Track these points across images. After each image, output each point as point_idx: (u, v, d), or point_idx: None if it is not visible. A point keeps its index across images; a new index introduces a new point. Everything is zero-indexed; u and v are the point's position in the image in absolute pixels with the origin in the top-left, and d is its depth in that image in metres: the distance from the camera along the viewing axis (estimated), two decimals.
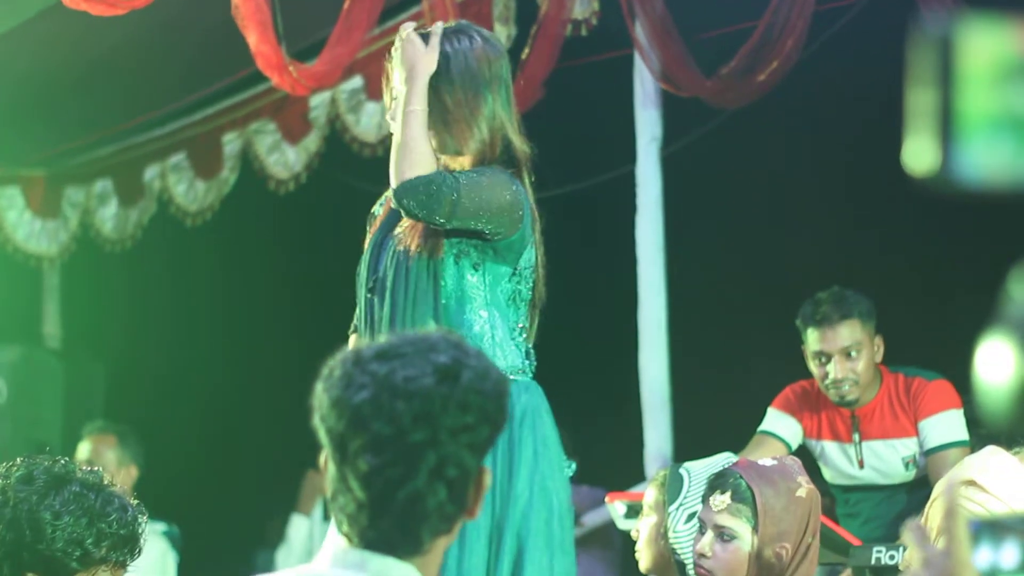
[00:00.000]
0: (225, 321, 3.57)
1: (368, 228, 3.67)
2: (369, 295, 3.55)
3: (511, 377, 3.48)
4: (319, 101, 6.39)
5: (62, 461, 2.97)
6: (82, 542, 2.87)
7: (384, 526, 2.02)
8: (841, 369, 4.84)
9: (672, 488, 3.83)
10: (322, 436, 2.05)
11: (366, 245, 3.63)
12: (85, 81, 6.61)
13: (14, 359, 7.59)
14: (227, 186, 6.80)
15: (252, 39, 5.03)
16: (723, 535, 3.43)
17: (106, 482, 2.97)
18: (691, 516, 3.73)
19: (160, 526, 6.36)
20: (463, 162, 3.55)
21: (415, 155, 3.41)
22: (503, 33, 5.77)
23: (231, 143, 6.89)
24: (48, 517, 2.86)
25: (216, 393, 7.33)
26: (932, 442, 4.81)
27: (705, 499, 3.50)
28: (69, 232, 7.78)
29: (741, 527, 3.42)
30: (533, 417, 3.48)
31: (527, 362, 3.57)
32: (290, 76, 5.24)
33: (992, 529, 1.65)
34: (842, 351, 4.84)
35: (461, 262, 3.51)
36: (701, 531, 3.49)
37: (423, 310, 3.47)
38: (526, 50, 5.70)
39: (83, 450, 6.42)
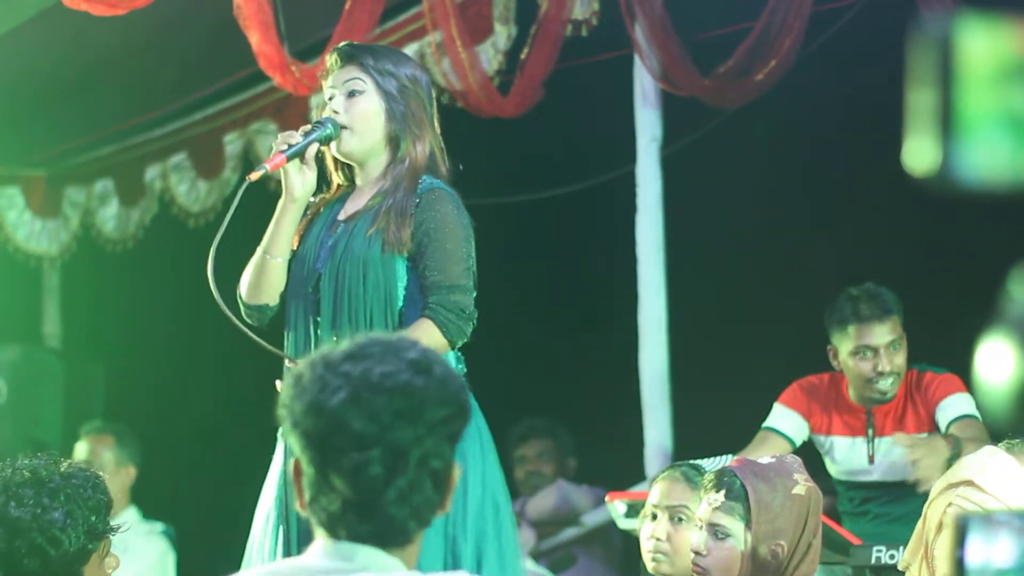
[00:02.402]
0: (226, 321, 3.55)
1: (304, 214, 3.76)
2: (312, 292, 3.64)
3: None
4: (320, 101, 6.38)
5: (20, 462, 2.98)
6: (91, 528, 2.93)
7: (374, 522, 2.04)
8: (888, 362, 4.86)
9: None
10: (295, 442, 2.06)
11: (296, 246, 3.72)
12: (85, 81, 6.61)
13: (14, 359, 7.59)
14: (229, 186, 6.81)
15: (254, 39, 5.04)
16: (716, 533, 3.44)
17: (63, 463, 3.01)
18: None
19: (158, 525, 6.37)
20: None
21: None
22: (503, 33, 5.78)
23: (232, 143, 6.89)
24: (59, 520, 2.88)
25: (217, 393, 7.33)
26: (951, 416, 4.83)
27: (702, 497, 3.51)
28: (70, 232, 7.78)
29: (734, 525, 3.42)
30: (475, 415, 3.57)
31: (459, 366, 3.66)
32: (292, 76, 5.25)
33: (985, 525, 1.65)
34: (888, 345, 4.86)
35: (407, 269, 3.62)
36: (699, 528, 3.50)
37: (386, 305, 3.58)
38: (526, 50, 5.70)
39: (81, 450, 6.42)
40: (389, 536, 2.05)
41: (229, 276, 3.68)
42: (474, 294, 3.60)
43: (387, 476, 2.01)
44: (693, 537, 3.52)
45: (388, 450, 2.01)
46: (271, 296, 3.70)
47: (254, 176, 3.65)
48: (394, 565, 2.05)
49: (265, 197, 3.76)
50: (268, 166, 3.61)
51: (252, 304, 3.70)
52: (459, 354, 3.65)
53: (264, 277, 3.68)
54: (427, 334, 3.52)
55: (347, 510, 2.04)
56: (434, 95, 3.78)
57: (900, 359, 4.90)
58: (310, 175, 3.64)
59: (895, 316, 4.89)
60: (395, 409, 2.00)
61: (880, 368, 4.86)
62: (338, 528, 2.06)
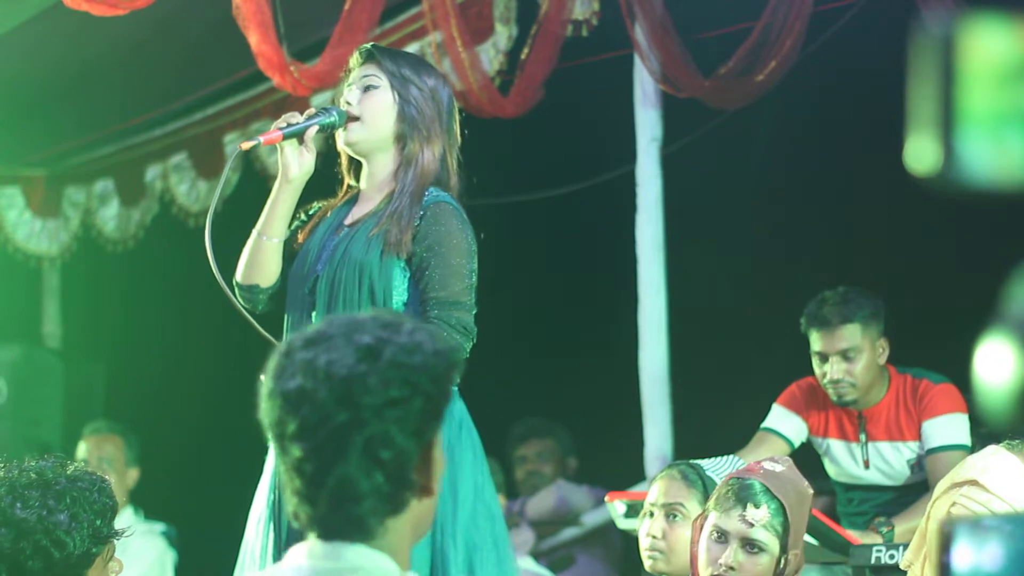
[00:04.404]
0: (226, 321, 3.55)
1: (299, 229, 3.76)
2: (308, 293, 3.64)
3: None
4: (320, 101, 6.39)
5: (26, 464, 2.98)
6: (96, 531, 2.93)
7: (323, 511, 2.02)
8: (837, 370, 4.84)
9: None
10: (265, 429, 2.07)
11: (301, 243, 3.72)
12: (85, 80, 6.61)
13: (14, 359, 7.59)
14: (230, 186, 6.81)
15: (253, 39, 5.03)
16: (752, 547, 3.43)
17: (69, 465, 3.01)
18: None
19: (159, 526, 6.36)
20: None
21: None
22: (504, 33, 5.78)
23: (232, 143, 6.89)
24: (64, 523, 2.89)
25: (216, 393, 7.33)
26: (932, 443, 4.81)
27: (728, 510, 3.47)
28: (70, 232, 7.78)
29: (771, 540, 3.43)
30: (468, 423, 3.60)
31: None
32: (291, 76, 5.24)
33: (972, 531, 1.65)
34: (840, 353, 4.84)
35: (406, 279, 3.61)
36: (719, 541, 3.47)
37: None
38: (526, 50, 5.70)
39: (86, 449, 6.41)
40: (343, 527, 2.02)
41: (228, 272, 3.68)
42: (475, 311, 3.60)
43: (328, 465, 1.99)
44: (715, 548, 3.48)
45: (328, 438, 1.99)
46: (263, 277, 3.69)
47: (246, 145, 3.65)
48: (385, 563, 2.03)
49: (267, 197, 3.75)
50: (262, 139, 3.62)
51: (244, 284, 3.70)
52: None
53: (257, 257, 3.68)
54: None
55: (300, 500, 2.03)
56: (456, 110, 3.77)
57: (855, 368, 4.85)
58: (308, 157, 3.64)
59: (856, 324, 4.85)
60: (335, 397, 1.98)
61: (829, 376, 4.85)
62: (300, 518, 2.05)
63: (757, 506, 3.44)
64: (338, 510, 2.01)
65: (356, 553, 2.02)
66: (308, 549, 2.05)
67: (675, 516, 3.88)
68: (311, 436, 2.00)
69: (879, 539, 4.55)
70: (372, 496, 2.00)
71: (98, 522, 2.93)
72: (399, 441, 1.99)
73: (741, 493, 3.46)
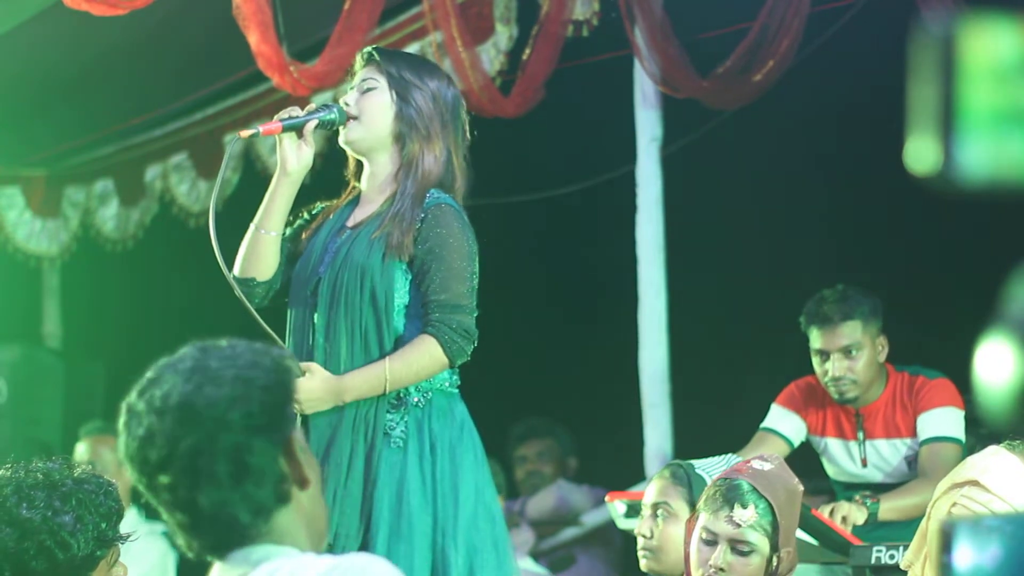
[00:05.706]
0: (226, 321, 3.56)
1: (303, 229, 3.78)
2: (311, 295, 3.65)
3: (448, 388, 3.64)
4: (320, 101, 6.39)
5: (33, 465, 2.99)
6: (101, 534, 2.93)
7: (211, 534, 2.03)
8: (839, 368, 4.86)
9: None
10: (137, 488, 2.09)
11: (304, 246, 3.73)
12: (85, 81, 6.61)
13: (14, 359, 7.59)
14: (230, 186, 6.81)
15: (253, 39, 5.03)
16: (743, 550, 3.42)
17: (76, 468, 3.01)
18: None
19: (160, 526, 6.36)
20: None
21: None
22: (504, 33, 5.78)
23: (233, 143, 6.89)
24: (69, 524, 2.89)
25: None
26: (925, 434, 4.82)
27: (716, 511, 3.47)
28: (70, 232, 7.78)
29: (761, 540, 3.42)
30: (469, 425, 3.62)
31: (454, 377, 3.67)
32: (291, 76, 5.24)
33: (973, 530, 1.65)
34: (841, 350, 4.86)
35: (408, 281, 3.62)
36: (709, 543, 3.47)
37: (383, 309, 3.59)
38: (527, 50, 5.71)
39: (82, 450, 6.41)
40: (235, 540, 2.03)
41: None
42: (476, 314, 3.61)
43: (195, 489, 2.00)
44: (704, 550, 3.48)
45: (186, 463, 2.00)
46: (260, 271, 3.70)
47: (245, 134, 3.68)
48: (290, 553, 2.02)
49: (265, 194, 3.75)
50: (262, 129, 3.65)
51: (240, 278, 3.71)
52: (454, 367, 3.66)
53: (254, 250, 3.70)
54: (429, 351, 3.52)
55: (187, 533, 2.04)
56: (464, 111, 3.78)
57: (857, 365, 4.86)
58: (307, 151, 3.66)
59: (856, 321, 4.87)
60: (178, 421, 2.01)
61: (831, 373, 4.86)
62: (192, 549, 2.06)
63: (744, 506, 3.43)
64: (223, 527, 2.01)
65: (261, 551, 2.03)
66: (219, 570, 2.06)
67: (663, 515, 3.88)
68: (171, 468, 2.01)
69: (864, 511, 4.55)
70: (245, 504, 2.01)
71: (103, 525, 2.93)
72: (254, 442, 2.00)
73: (728, 494, 3.45)
